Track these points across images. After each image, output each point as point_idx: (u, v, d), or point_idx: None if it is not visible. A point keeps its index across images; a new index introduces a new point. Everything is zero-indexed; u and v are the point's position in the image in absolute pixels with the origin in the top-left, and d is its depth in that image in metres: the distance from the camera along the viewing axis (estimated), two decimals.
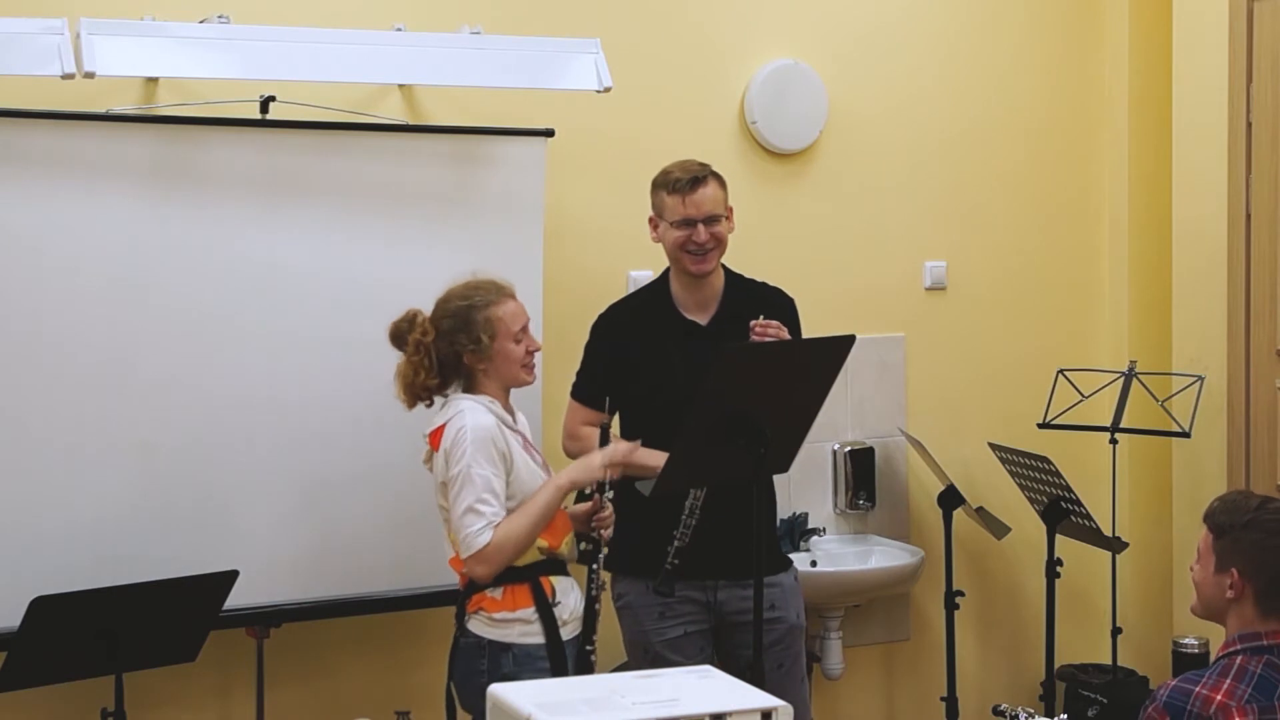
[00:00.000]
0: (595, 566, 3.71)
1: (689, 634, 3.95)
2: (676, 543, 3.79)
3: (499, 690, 2.54)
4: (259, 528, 4.15)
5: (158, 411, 4.04)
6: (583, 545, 3.78)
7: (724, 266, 4.04)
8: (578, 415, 4.03)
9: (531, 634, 3.59)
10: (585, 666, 3.64)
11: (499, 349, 3.62)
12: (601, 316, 4.11)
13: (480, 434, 3.54)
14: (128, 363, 3.99)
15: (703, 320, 3.99)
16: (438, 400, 3.69)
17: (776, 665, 3.91)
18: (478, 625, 3.61)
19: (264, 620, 4.15)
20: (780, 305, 4.05)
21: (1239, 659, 2.95)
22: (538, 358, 3.76)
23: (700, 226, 3.90)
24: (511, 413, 3.72)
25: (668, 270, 4.05)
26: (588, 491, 3.75)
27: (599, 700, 2.48)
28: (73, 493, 3.95)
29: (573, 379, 4.11)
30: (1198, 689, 2.89)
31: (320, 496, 4.20)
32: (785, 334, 3.84)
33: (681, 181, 3.91)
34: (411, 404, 3.68)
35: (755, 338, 3.79)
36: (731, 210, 3.99)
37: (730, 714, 2.43)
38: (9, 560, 3.89)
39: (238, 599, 3.87)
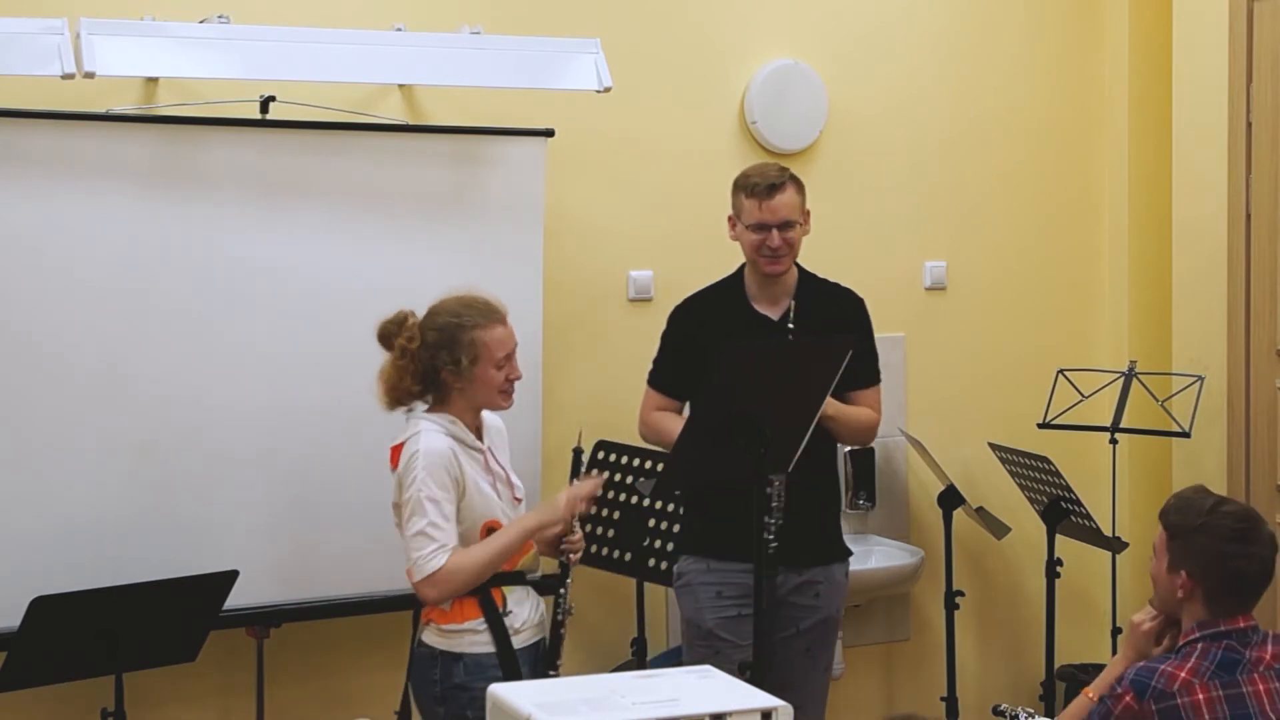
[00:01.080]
0: (562, 591, 3.68)
1: (742, 615, 3.95)
2: (773, 526, 3.79)
3: (499, 690, 2.54)
4: (259, 528, 4.15)
5: (157, 411, 4.04)
6: (562, 557, 3.73)
7: (797, 265, 4.08)
8: (651, 401, 4.11)
9: (481, 643, 3.56)
10: None
11: (479, 374, 3.56)
12: (677, 306, 4.17)
13: (432, 458, 3.49)
14: (127, 362, 4.00)
15: (774, 315, 4.03)
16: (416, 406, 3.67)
17: (804, 649, 3.94)
18: (430, 636, 3.59)
19: (264, 620, 4.15)
20: (850, 305, 4.15)
21: (1199, 645, 3.02)
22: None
23: (774, 231, 3.94)
24: (479, 428, 3.67)
25: (744, 265, 4.09)
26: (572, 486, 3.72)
27: (599, 700, 2.48)
28: (73, 493, 3.96)
29: (572, 380, 4.12)
30: (1163, 667, 2.98)
31: (320, 496, 4.20)
32: None
33: (760, 186, 3.96)
34: (392, 407, 3.63)
35: None
36: (808, 214, 4.04)
37: (730, 714, 2.43)
38: (9, 560, 3.89)
39: (238, 599, 3.87)
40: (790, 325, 4.01)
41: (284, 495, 4.17)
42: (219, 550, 4.00)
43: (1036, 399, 5.08)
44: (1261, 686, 2.98)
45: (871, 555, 5.03)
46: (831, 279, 4.18)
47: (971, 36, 5.28)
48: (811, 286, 4.11)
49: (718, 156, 4.88)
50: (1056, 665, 4.96)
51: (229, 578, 3.80)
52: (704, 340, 4.00)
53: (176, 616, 3.79)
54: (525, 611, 3.64)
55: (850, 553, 4.21)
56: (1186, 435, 4.87)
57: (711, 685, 2.59)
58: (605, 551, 4.33)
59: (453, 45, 4.34)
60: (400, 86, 4.44)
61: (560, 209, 4.58)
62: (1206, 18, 5.03)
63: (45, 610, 3.57)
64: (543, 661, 3.66)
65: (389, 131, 4.32)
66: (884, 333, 5.13)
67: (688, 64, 4.87)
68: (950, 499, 4.97)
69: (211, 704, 4.35)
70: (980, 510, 5.03)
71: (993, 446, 5.05)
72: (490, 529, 3.58)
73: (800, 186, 4.03)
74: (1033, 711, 3.67)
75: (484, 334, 3.56)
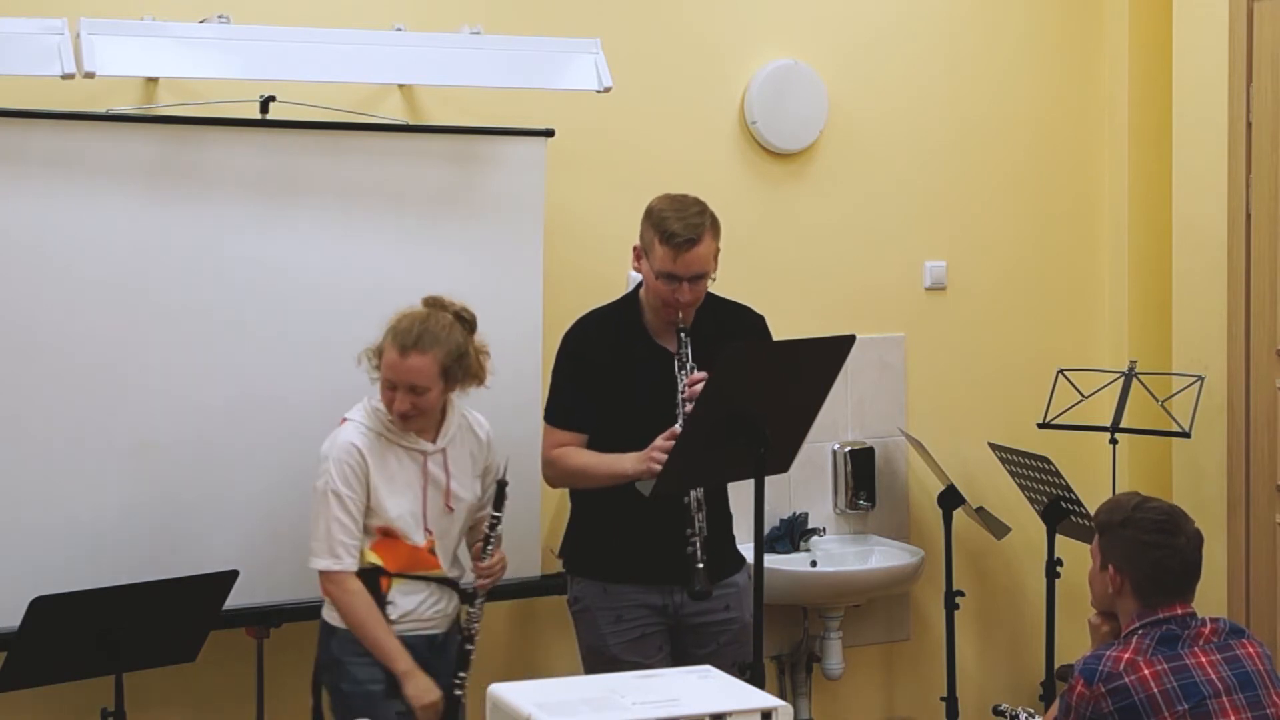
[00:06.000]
0: (472, 610, 3.77)
1: (646, 635, 3.94)
2: (696, 538, 3.76)
3: (499, 690, 2.55)
4: (259, 528, 4.14)
5: (157, 411, 4.03)
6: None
7: None
8: (553, 439, 3.98)
9: None
10: (452, 704, 3.71)
11: (381, 382, 3.74)
12: (569, 336, 4.04)
13: (340, 453, 3.70)
14: (128, 362, 3.99)
15: (672, 346, 3.90)
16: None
17: (731, 663, 3.89)
18: (325, 608, 3.79)
19: (264, 620, 4.15)
20: (751, 325, 4.05)
21: (1140, 630, 3.16)
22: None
23: (685, 285, 3.81)
24: (432, 427, 3.76)
25: (639, 287, 4.00)
26: (485, 529, 3.81)
27: (599, 700, 2.49)
28: (73, 493, 3.95)
29: None
30: (1108, 653, 3.13)
31: None
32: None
33: (678, 238, 3.77)
34: None
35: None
36: (718, 251, 3.89)
37: (730, 714, 2.43)
38: (9, 560, 3.89)
39: (238, 599, 3.87)
40: (685, 358, 3.84)
41: (285, 495, 4.16)
42: (219, 550, 4.00)
43: (1036, 399, 5.08)
44: (1204, 658, 3.12)
45: (871, 555, 5.03)
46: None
47: (971, 37, 5.28)
48: (711, 311, 3.96)
49: (718, 157, 4.88)
50: (1056, 665, 4.96)
51: (229, 578, 3.80)
52: (603, 369, 3.92)
53: (176, 616, 3.78)
54: (410, 604, 3.75)
55: (745, 560, 4.08)
56: (1186, 435, 4.88)
57: (711, 685, 2.59)
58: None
59: (453, 45, 4.34)
60: (400, 86, 4.44)
61: (560, 209, 4.58)
62: (1206, 18, 5.04)
63: (45, 610, 3.57)
64: (443, 665, 3.75)
65: (389, 131, 4.32)
66: (884, 333, 5.17)
67: (687, 64, 4.87)
68: (950, 499, 4.97)
69: (211, 704, 4.35)
70: (980, 510, 5.03)
71: (993, 446, 5.05)
72: (386, 531, 3.70)
73: (717, 230, 3.85)
74: (1033, 711, 3.70)
75: (384, 347, 3.73)
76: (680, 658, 3.94)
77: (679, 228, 3.79)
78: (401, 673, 3.67)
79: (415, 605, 3.75)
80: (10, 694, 3.71)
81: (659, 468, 3.68)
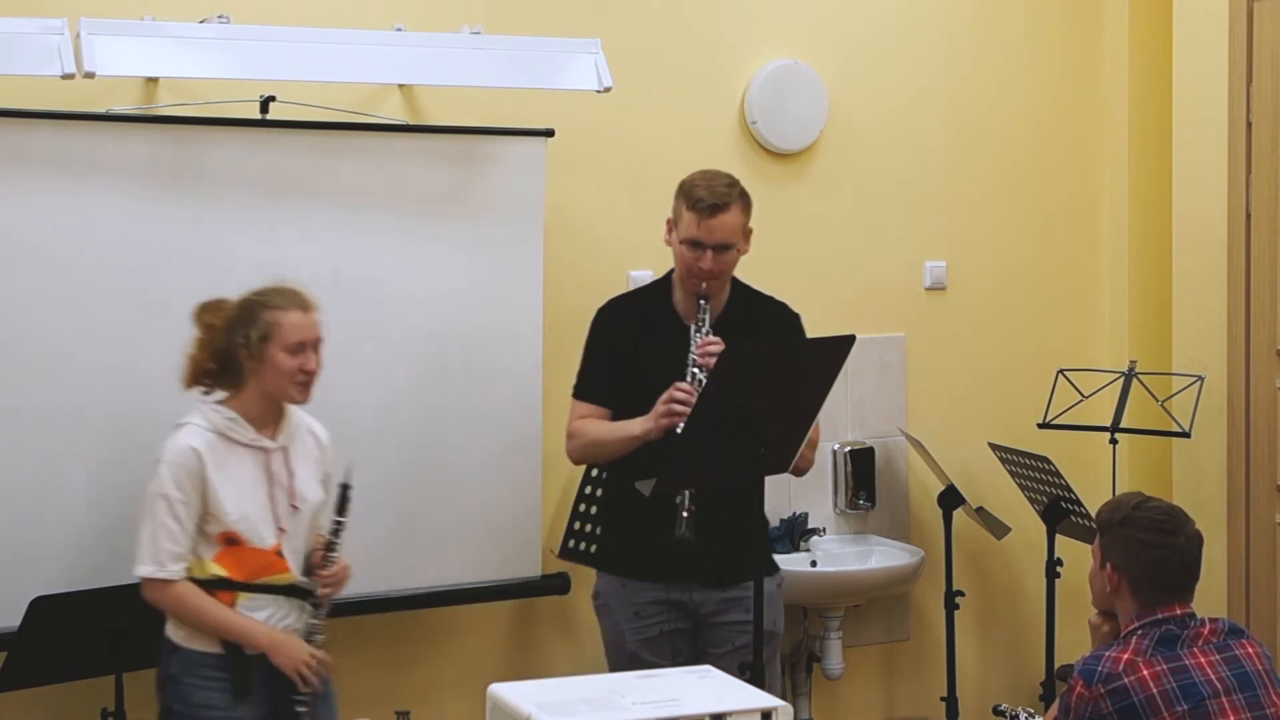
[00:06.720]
0: (315, 621, 3.64)
1: (664, 633, 3.93)
2: (686, 535, 3.74)
3: (499, 690, 2.55)
4: None
5: (158, 411, 4.02)
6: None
7: (733, 277, 3.96)
8: (576, 412, 3.98)
9: (195, 641, 3.54)
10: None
11: (268, 354, 3.55)
12: (601, 315, 4.05)
13: (176, 456, 3.52)
14: (127, 362, 3.99)
15: None
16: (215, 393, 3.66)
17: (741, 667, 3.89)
18: (169, 624, 3.59)
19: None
20: (784, 320, 4.03)
21: (1139, 630, 3.16)
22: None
23: (709, 253, 3.80)
24: (276, 424, 3.63)
25: (673, 271, 4.00)
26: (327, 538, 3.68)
27: (599, 700, 2.49)
28: (73, 493, 3.95)
29: (572, 379, 4.09)
30: (1107, 653, 3.12)
31: None
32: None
33: (703, 203, 3.79)
34: (188, 384, 3.64)
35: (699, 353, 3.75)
36: (750, 233, 3.90)
37: (730, 714, 2.44)
38: (9, 560, 3.89)
39: None
40: (701, 323, 3.82)
41: None
42: None
43: (1036, 399, 5.08)
44: (1203, 659, 3.12)
45: (871, 555, 5.03)
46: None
47: (971, 37, 5.29)
48: (743, 301, 3.96)
49: (718, 157, 4.85)
50: (1056, 665, 4.96)
51: None
52: (629, 348, 3.91)
53: None
54: (260, 620, 3.57)
55: (778, 568, 4.10)
56: (1186, 435, 4.88)
57: (711, 685, 2.60)
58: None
59: (453, 45, 4.34)
60: (400, 86, 4.44)
61: (560, 209, 4.58)
62: (1206, 18, 5.04)
63: (45, 610, 3.57)
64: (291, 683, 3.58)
65: (389, 131, 4.32)
66: (884, 333, 5.17)
67: (688, 64, 4.87)
68: (950, 499, 4.97)
69: None
70: (980, 510, 5.03)
71: (993, 446, 5.05)
72: (229, 538, 3.53)
73: (746, 205, 3.86)
74: (1033, 711, 3.70)
75: (279, 315, 3.56)
76: (699, 656, 3.93)
77: (705, 194, 3.82)
78: (265, 647, 3.51)
79: (267, 619, 3.57)
80: (10, 694, 3.71)
81: (666, 422, 3.68)
